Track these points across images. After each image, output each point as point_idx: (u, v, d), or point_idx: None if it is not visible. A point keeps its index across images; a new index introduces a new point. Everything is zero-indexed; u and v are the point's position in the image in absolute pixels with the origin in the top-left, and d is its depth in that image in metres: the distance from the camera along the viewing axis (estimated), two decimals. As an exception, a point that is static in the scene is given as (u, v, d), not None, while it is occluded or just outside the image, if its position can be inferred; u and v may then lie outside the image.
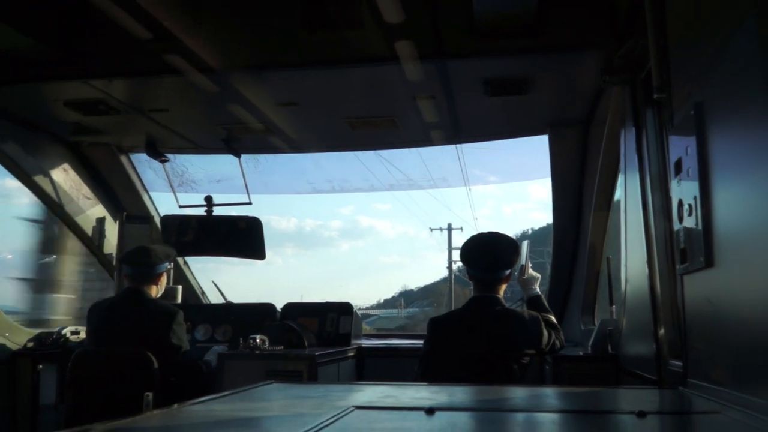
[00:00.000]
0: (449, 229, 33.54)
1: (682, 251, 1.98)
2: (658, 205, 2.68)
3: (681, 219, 1.97)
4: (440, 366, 3.38)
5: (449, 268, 32.97)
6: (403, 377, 2.98)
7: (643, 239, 2.76)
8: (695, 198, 1.82)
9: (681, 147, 1.96)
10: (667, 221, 2.59)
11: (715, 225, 1.72)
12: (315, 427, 1.34)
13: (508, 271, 3.50)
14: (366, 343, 4.97)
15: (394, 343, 5.15)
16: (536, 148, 4.87)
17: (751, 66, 1.49)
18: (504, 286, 3.54)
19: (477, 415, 1.67)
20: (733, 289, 1.64)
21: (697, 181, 1.81)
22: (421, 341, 3.72)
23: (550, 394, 2.18)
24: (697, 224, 1.82)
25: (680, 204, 1.97)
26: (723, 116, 1.70)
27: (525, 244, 3.99)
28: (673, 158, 2.06)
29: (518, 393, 2.16)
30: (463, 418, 1.62)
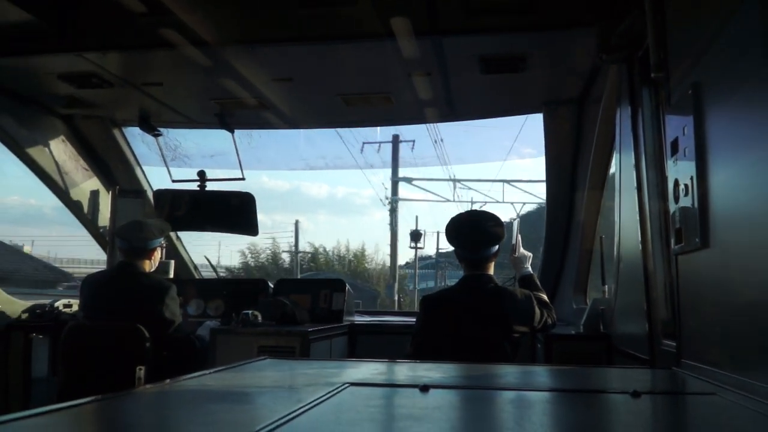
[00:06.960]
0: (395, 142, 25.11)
1: (677, 231, 1.98)
2: (653, 185, 2.68)
3: (677, 199, 1.97)
4: (432, 343, 3.39)
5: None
6: (395, 354, 2.99)
7: (637, 219, 2.76)
8: (691, 178, 1.82)
9: (678, 126, 1.96)
10: (662, 201, 2.59)
11: (711, 205, 1.72)
12: (310, 403, 1.34)
13: (495, 248, 3.49)
14: (358, 320, 4.98)
15: (386, 320, 5.16)
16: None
17: (751, 46, 1.48)
18: (493, 263, 3.54)
19: (472, 393, 1.68)
20: (728, 270, 1.64)
21: (693, 161, 1.80)
22: (413, 319, 3.72)
23: (543, 372, 2.19)
24: (693, 204, 1.82)
25: (676, 184, 1.97)
26: (721, 96, 1.69)
27: (515, 224, 3.99)
28: (669, 138, 2.05)
29: (512, 371, 2.17)
30: (457, 396, 1.62)
